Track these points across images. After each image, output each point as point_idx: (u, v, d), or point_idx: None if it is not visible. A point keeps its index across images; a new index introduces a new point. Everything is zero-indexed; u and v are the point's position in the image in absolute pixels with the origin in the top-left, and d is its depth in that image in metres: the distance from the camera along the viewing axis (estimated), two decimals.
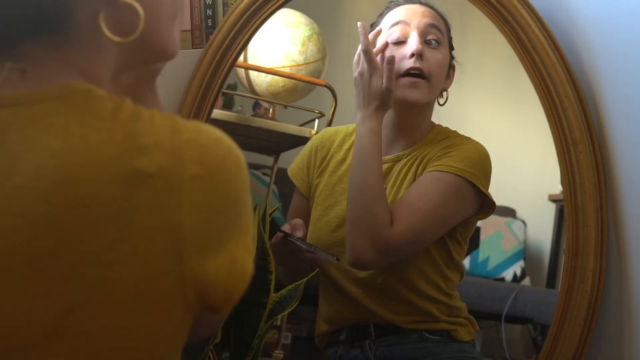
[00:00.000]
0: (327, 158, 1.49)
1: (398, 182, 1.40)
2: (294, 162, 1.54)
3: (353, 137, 1.48)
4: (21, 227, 0.60)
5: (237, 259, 0.67)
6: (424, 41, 1.39)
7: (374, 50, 1.37)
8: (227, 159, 0.67)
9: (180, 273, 0.63)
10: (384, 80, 1.32)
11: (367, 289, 1.38)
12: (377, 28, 1.41)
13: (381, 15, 1.48)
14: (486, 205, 1.37)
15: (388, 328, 1.39)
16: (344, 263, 1.35)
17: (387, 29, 1.42)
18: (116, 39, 0.70)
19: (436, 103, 1.46)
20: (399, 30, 1.40)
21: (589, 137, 1.50)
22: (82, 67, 0.69)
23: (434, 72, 1.38)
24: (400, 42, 1.40)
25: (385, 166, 1.41)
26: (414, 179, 1.38)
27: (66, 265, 0.60)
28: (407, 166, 1.41)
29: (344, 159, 1.47)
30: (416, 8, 1.43)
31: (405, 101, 1.38)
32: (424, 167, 1.38)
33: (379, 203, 1.28)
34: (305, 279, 1.22)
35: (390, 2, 1.48)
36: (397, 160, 1.42)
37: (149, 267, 0.62)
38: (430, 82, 1.38)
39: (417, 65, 1.36)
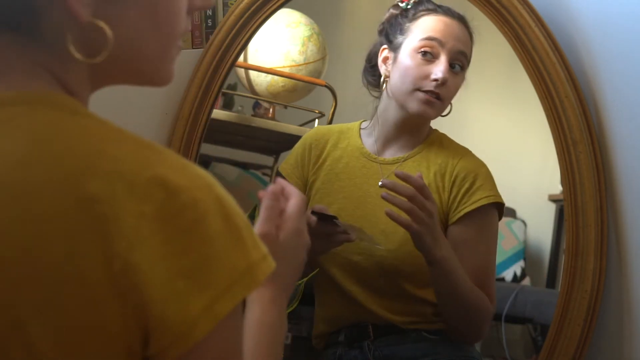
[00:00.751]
0: (323, 156, 1.48)
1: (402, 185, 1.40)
2: (286, 161, 1.52)
3: (349, 135, 1.49)
4: None
5: (186, 317, 0.60)
6: (450, 64, 1.39)
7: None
8: (190, 208, 0.60)
9: (122, 309, 0.59)
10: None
11: (367, 288, 1.38)
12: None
13: (409, 17, 1.44)
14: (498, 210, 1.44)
15: (387, 328, 1.39)
16: (346, 260, 1.36)
17: (418, 40, 1.40)
18: (80, 57, 0.65)
19: None
20: (430, 47, 1.38)
21: (589, 137, 1.50)
22: (54, 72, 0.66)
23: (449, 96, 1.42)
24: (429, 57, 1.38)
25: (384, 166, 1.41)
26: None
27: (11, 282, 0.59)
28: (411, 170, 1.41)
29: (340, 157, 1.47)
30: (454, 26, 1.41)
31: (418, 115, 1.41)
32: (435, 186, 1.40)
33: (479, 302, 1.36)
34: (305, 279, 1.22)
35: (421, 5, 1.44)
36: (394, 162, 1.43)
37: (90, 293, 0.59)
38: (443, 103, 1.40)
39: (438, 91, 1.38)
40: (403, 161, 1.43)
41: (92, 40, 0.65)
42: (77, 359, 0.60)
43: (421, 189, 1.23)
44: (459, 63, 1.40)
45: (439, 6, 1.43)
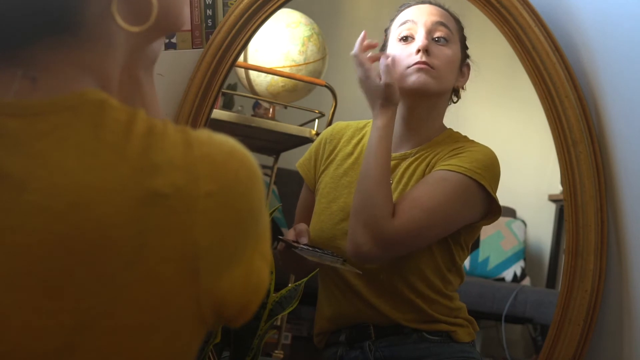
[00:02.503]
0: (335, 151, 1.50)
1: (405, 179, 1.40)
2: (304, 156, 1.56)
3: (363, 132, 1.50)
4: (35, 246, 0.59)
5: (252, 270, 0.66)
6: (432, 38, 1.41)
7: (369, 56, 1.39)
8: (241, 172, 0.66)
9: (196, 291, 0.62)
10: (382, 76, 1.35)
11: (369, 283, 1.38)
12: (362, 34, 1.42)
13: (392, 19, 1.50)
14: (492, 211, 1.38)
15: (388, 329, 1.39)
16: (347, 258, 1.36)
17: (396, 28, 1.45)
18: (132, 29, 0.68)
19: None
20: (407, 28, 1.42)
21: (589, 137, 1.50)
22: (93, 68, 0.68)
23: (441, 65, 1.40)
24: (408, 40, 1.42)
25: (392, 163, 1.41)
26: (422, 178, 1.38)
27: (80, 285, 0.60)
28: (414, 164, 1.41)
29: (351, 153, 1.48)
30: (424, 7, 1.46)
31: (414, 87, 1.40)
32: (432, 167, 1.38)
33: (381, 193, 1.29)
34: (305, 279, 1.22)
35: (401, 5, 1.50)
36: (404, 158, 1.43)
37: (164, 287, 0.61)
38: (438, 71, 1.39)
39: (423, 59, 1.38)
40: (412, 156, 1.43)
41: (138, 8, 0.69)
42: (147, 349, 0.62)
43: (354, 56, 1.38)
44: (441, 35, 1.42)
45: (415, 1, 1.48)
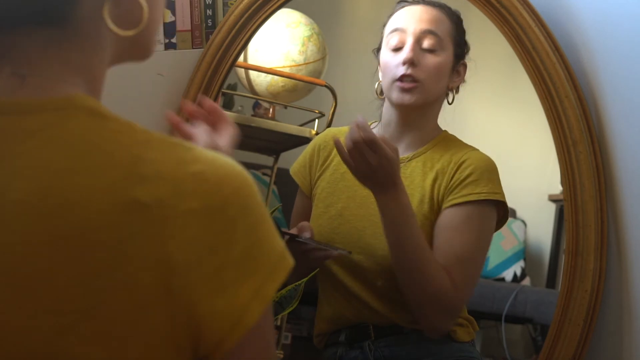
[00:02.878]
0: (330, 157, 1.49)
1: (406, 185, 1.40)
2: (297, 161, 1.54)
3: None
4: (17, 245, 0.59)
5: (235, 305, 0.61)
6: (421, 48, 1.40)
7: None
8: (232, 197, 0.62)
9: (171, 310, 0.60)
10: (386, 156, 1.26)
11: (369, 288, 1.38)
12: (360, 120, 1.29)
13: (390, 15, 1.49)
14: (503, 217, 1.40)
15: (387, 329, 1.39)
16: (347, 259, 1.36)
17: (387, 35, 1.44)
18: (121, 32, 0.68)
19: (445, 103, 1.48)
20: (397, 37, 1.42)
21: (589, 137, 1.50)
22: (81, 68, 0.68)
23: (427, 77, 1.40)
24: (398, 49, 1.42)
25: None
26: (422, 186, 1.39)
27: (60, 287, 0.59)
28: (409, 169, 1.41)
29: None
30: (415, 11, 1.43)
31: (399, 104, 1.41)
32: (435, 181, 1.39)
33: (436, 277, 1.29)
34: (305, 279, 1.22)
35: (398, 2, 1.49)
36: (402, 162, 1.42)
37: (141, 297, 0.60)
38: (423, 85, 1.39)
39: (409, 72, 1.38)
40: (407, 161, 1.43)
41: (128, 14, 0.69)
42: None
43: (370, 142, 1.23)
44: (429, 43, 1.40)
45: (410, 1, 1.46)
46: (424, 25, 1.41)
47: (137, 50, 0.74)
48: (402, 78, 1.39)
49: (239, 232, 0.62)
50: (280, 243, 0.65)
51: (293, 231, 1.33)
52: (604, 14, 1.49)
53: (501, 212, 1.39)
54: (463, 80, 1.49)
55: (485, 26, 1.55)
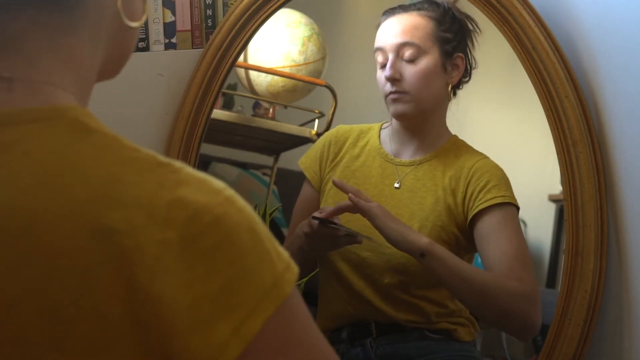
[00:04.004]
0: (341, 154, 1.51)
1: (416, 188, 1.42)
2: (306, 154, 1.56)
3: (369, 135, 1.51)
4: None
5: (212, 345, 0.56)
6: (402, 60, 1.42)
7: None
8: (213, 227, 0.57)
9: (144, 345, 0.56)
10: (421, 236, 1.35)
11: (373, 285, 1.39)
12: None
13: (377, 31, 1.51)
14: None
15: (389, 326, 1.39)
16: (355, 255, 1.39)
17: (374, 54, 1.48)
18: (132, 24, 0.65)
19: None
20: (380, 56, 1.46)
21: (589, 137, 1.50)
22: (77, 61, 0.63)
23: (413, 87, 1.43)
24: (384, 66, 1.45)
25: (399, 169, 1.43)
26: (434, 189, 1.40)
27: (27, 317, 0.55)
28: (421, 172, 1.43)
29: (358, 155, 1.49)
30: (390, 25, 1.45)
31: (395, 116, 1.45)
32: (450, 185, 1.41)
33: (502, 297, 1.33)
34: (305, 279, 1.23)
35: (382, 14, 1.50)
36: (411, 165, 1.44)
37: (110, 329, 0.55)
38: (412, 95, 1.41)
39: (394, 89, 1.42)
40: (418, 164, 1.44)
41: (134, 6, 0.67)
42: None
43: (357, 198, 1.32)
44: (408, 54, 1.42)
45: (390, 9, 1.47)
46: (399, 39, 1.42)
47: (116, 62, 0.70)
48: (389, 93, 1.42)
49: (219, 264, 0.57)
50: (275, 269, 0.59)
51: (323, 215, 1.35)
52: (604, 14, 1.49)
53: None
54: (466, 76, 1.49)
55: (485, 26, 1.55)
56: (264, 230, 0.60)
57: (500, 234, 1.37)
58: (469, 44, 1.49)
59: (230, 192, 0.60)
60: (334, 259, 1.41)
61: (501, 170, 1.44)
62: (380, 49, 1.45)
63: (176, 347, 0.56)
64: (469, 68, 1.49)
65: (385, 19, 1.47)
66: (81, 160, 0.58)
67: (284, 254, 0.61)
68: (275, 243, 0.61)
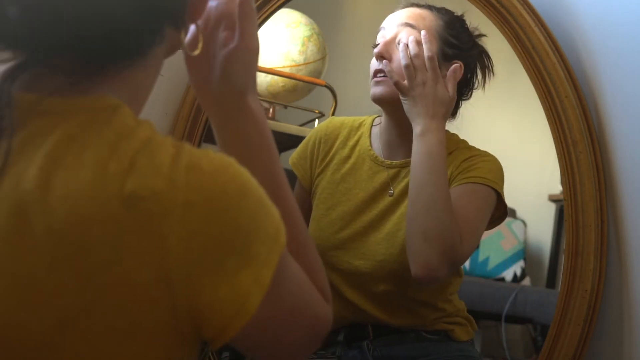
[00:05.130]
0: (331, 153, 1.47)
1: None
2: (296, 151, 1.51)
3: (359, 132, 1.47)
4: (27, 237, 0.60)
5: (237, 293, 0.63)
6: (397, 43, 1.38)
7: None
8: (229, 186, 0.63)
9: (172, 302, 0.61)
10: (449, 89, 1.31)
11: (367, 295, 1.38)
12: (423, 34, 1.37)
13: None
14: (500, 216, 1.38)
15: (386, 328, 1.39)
16: (347, 264, 1.36)
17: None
18: (194, 53, 0.75)
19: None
20: (378, 36, 1.41)
21: (589, 137, 1.50)
22: (139, 90, 0.72)
23: (398, 70, 1.36)
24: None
25: (392, 171, 1.40)
26: None
27: (61, 281, 0.60)
28: None
29: (348, 157, 1.45)
30: (399, 11, 1.43)
31: (374, 99, 1.39)
32: (450, 180, 1.37)
33: (453, 218, 1.26)
34: None
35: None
36: (404, 166, 1.40)
37: (140, 292, 0.60)
38: (396, 79, 1.36)
39: (379, 67, 1.36)
40: (406, 166, 1.41)
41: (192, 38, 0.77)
42: (122, 355, 0.62)
43: (430, 58, 1.28)
44: (406, 36, 1.36)
45: (403, 3, 1.45)
46: (402, 20, 1.39)
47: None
48: (375, 73, 1.37)
49: (242, 219, 0.63)
50: (274, 223, 0.66)
51: None
52: (604, 14, 1.49)
53: (501, 209, 1.37)
54: (464, 90, 1.45)
55: (485, 26, 1.55)
56: (260, 188, 0.67)
57: (458, 201, 1.31)
58: (478, 65, 1.45)
59: (230, 159, 0.66)
60: (327, 270, 1.39)
61: (495, 162, 1.38)
62: (381, 29, 1.41)
63: (205, 299, 0.62)
64: (469, 83, 1.45)
65: (395, 9, 1.45)
66: (115, 136, 0.64)
67: (274, 207, 0.68)
68: (268, 198, 0.68)
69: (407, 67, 1.29)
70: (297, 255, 0.74)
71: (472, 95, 1.47)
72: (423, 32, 1.32)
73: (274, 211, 0.67)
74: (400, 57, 1.34)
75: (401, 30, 1.37)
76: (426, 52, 1.30)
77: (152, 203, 0.60)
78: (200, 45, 0.75)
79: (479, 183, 1.32)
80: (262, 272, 0.64)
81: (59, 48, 0.65)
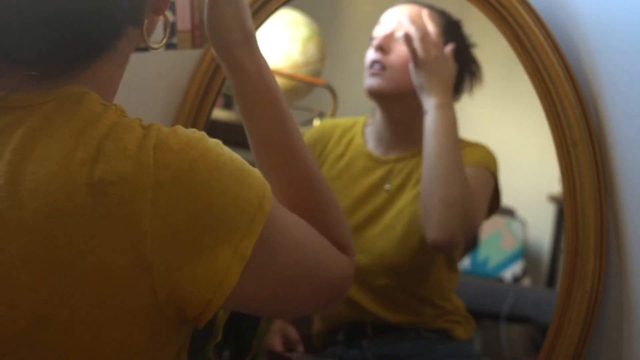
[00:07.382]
0: (325, 152, 1.49)
1: (408, 184, 1.40)
2: None
3: (353, 131, 1.48)
4: None
5: (217, 267, 0.62)
6: (396, 37, 1.39)
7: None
8: (197, 162, 0.63)
9: (151, 285, 0.61)
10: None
11: (366, 290, 1.38)
12: (425, 12, 1.39)
13: None
14: (493, 206, 1.39)
15: (386, 327, 1.39)
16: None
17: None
18: (156, 46, 0.77)
19: None
20: (377, 30, 1.42)
21: (589, 137, 1.50)
22: (105, 81, 0.72)
23: (397, 63, 1.38)
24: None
25: (386, 167, 1.41)
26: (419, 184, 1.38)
27: (36, 276, 0.59)
28: (414, 168, 1.41)
29: (342, 154, 1.47)
30: (396, 7, 1.44)
31: (368, 91, 1.40)
32: None
33: (470, 187, 1.27)
34: None
35: None
36: (398, 161, 1.42)
37: (117, 279, 0.60)
38: (393, 72, 1.37)
39: (377, 58, 1.37)
40: (406, 160, 1.42)
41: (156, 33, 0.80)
42: (105, 345, 0.61)
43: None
44: (403, 32, 1.39)
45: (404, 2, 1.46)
46: (399, 16, 1.40)
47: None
48: (371, 64, 1.38)
49: (214, 193, 0.63)
50: (255, 192, 0.65)
51: (277, 344, 1.32)
52: (604, 14, 1.49)
53: (496, 200, 1.38)
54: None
55: (485, 26, 1.55)
56: (238, 157, 0.67)
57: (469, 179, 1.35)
58: (467, 69, 1.47)
59: (200, 132, 0.66)
60: None
61: (490, 151, 1.40)
62: (380, 23, 1.43)
63: (184, 278, 0.61)
64: (457, 87, 1.47)
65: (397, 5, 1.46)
66: (78, 124, 0.63)
67: (258, 173, 0.68)
68: (248, 165, 0.67)
69: (423, 39, 1.30)
70: (309, 214, 0.72)
71: (472, 95, 1.48)
72: (425, 12, 1.33)
73: (256, 180, 0.66)
74: (399, 50, 1.35)
75: (400, 27, 1.38)
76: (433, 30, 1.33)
77: (121, 188, 0.60)
78: (164, 40, 0.77)
79: (476, 166, 1.33)
80: (241, 244, 0.63)
81: (21, 48, 0.65)
